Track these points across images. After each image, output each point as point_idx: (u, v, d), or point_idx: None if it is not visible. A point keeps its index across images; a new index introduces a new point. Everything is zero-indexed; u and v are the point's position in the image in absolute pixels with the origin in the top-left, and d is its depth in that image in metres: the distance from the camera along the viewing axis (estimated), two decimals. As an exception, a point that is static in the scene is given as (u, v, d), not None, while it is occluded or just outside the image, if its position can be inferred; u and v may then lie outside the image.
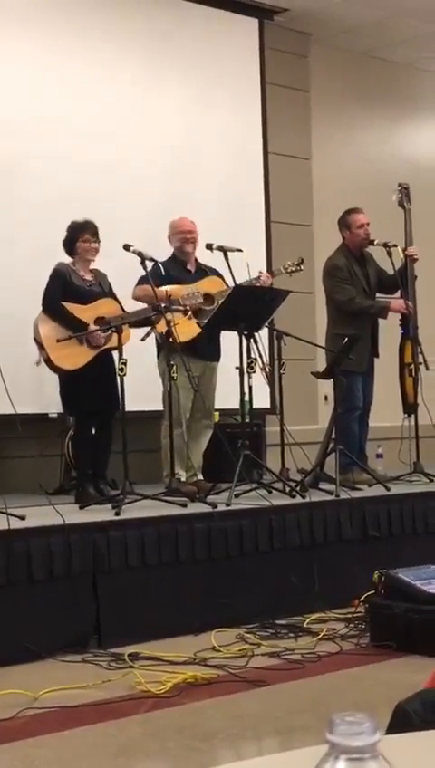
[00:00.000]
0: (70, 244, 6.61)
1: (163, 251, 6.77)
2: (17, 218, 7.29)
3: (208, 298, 6.68)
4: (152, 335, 6.68)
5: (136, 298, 6.64)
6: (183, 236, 6.89)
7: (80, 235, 6.56)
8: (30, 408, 6.70)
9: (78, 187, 7.55)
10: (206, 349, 6.80)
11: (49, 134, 7.65)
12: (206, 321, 6.59)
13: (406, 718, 1.51)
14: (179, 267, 6.91)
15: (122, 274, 6.74)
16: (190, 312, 6.62)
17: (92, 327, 6.37)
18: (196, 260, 7.01)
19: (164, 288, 6.52)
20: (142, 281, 6.48)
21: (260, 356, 6.53)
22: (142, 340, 6.65)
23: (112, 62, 8.03)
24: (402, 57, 10.02)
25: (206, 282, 6.85)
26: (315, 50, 9.41)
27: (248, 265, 6.66)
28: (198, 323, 6.63)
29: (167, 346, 6.42)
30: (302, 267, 7.15)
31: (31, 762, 3.66)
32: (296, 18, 9.01)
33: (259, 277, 6.91)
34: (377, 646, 5.02)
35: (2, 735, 3.88)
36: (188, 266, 6.96)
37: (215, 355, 6.92)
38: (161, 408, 6.76)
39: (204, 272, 6.97)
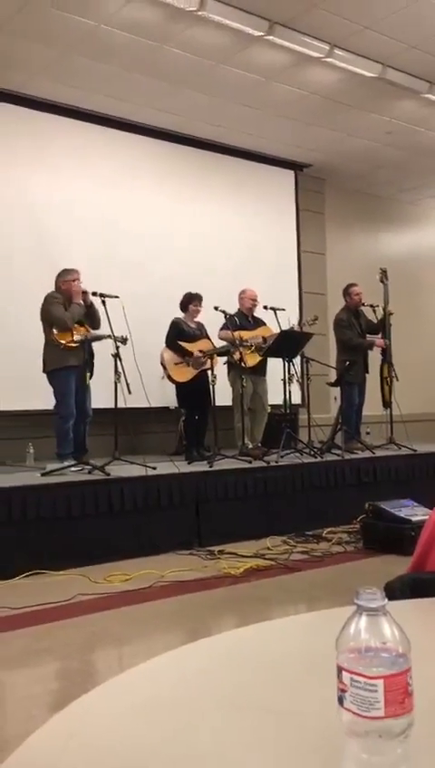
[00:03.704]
0: (185, 306, 6.61)
1: (230, 306, 6.66)
2: (144, 294, 7.16)
3: (265, 340, 6.66)
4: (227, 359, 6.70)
5: (221, 338, 6.63)
6: (252, 302, 6.86)
7: (193, 301, 6.58)
8: (158, 403, 6.73)
9: (183, 271, 7.55)
10: (261, 369, 6.79)
11: (169, 240, 7.65)
12: (262, 352, 6.59)
13: (392, 593, 1.48)
14: (244, 318, 6.86)
15: (205, 321, 6.71)
16: (254, 348, 6.63)
17: (196, 355, 6.40)
18: (253, 314, 6.99)
19: (237, 332, 6.53)
20: (224, 327, 6.46)
21: (295, 372, 6.50)
22: (225, 363, 6.69)
23: (199, 204, 7.94)
24: (383, 192, 9.85)
25: (261, 330, 6.82)
26: (328, 189, 9.32)
27: (289, 319, 6.65)
28: (259, 354, 6.63)
29: (238, 367, 6.40)
30: (316, 322, 6.96)
31: (161, 614, 3.68)
32: (317, 170, 8.95)
33: (294, 327, 6.91)
34: (367, 548, 5.00)
35: (143, 598, 3.93)
36: (249, 318, 6.92)
37: (264, 372, 6.88)
38: (231, 404, 6.75)
39: (257, 322, 6.93)
